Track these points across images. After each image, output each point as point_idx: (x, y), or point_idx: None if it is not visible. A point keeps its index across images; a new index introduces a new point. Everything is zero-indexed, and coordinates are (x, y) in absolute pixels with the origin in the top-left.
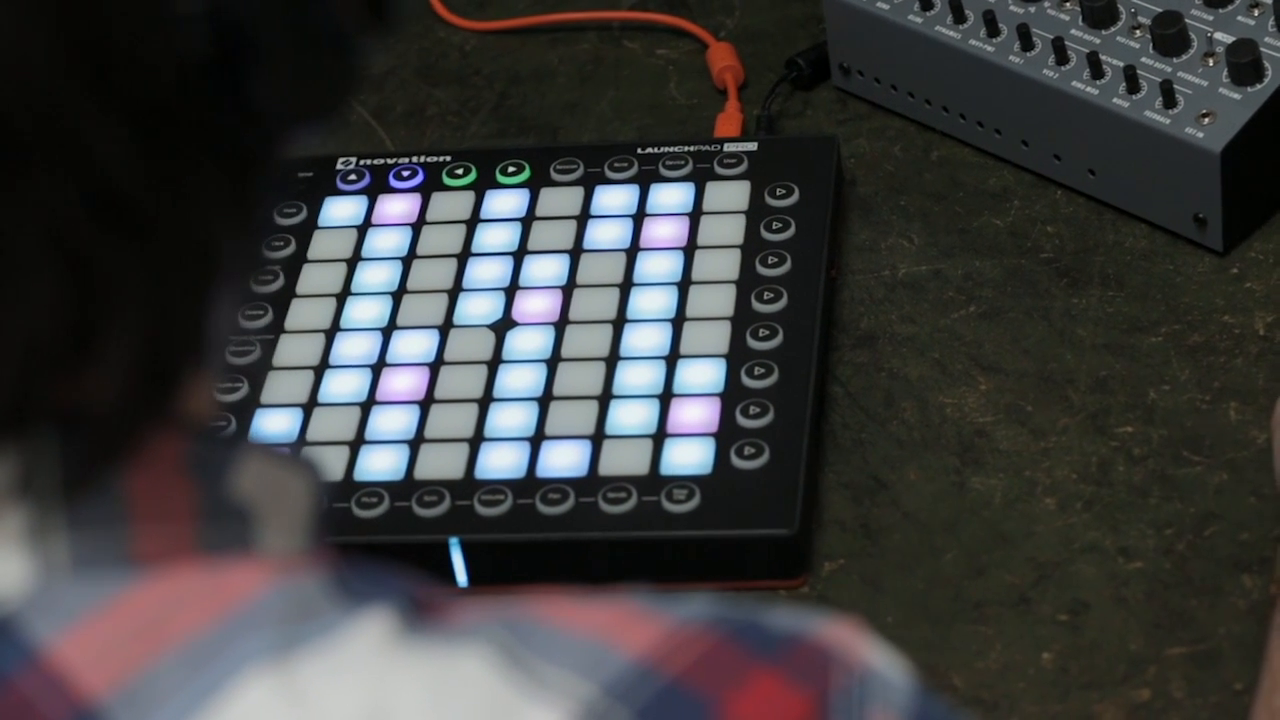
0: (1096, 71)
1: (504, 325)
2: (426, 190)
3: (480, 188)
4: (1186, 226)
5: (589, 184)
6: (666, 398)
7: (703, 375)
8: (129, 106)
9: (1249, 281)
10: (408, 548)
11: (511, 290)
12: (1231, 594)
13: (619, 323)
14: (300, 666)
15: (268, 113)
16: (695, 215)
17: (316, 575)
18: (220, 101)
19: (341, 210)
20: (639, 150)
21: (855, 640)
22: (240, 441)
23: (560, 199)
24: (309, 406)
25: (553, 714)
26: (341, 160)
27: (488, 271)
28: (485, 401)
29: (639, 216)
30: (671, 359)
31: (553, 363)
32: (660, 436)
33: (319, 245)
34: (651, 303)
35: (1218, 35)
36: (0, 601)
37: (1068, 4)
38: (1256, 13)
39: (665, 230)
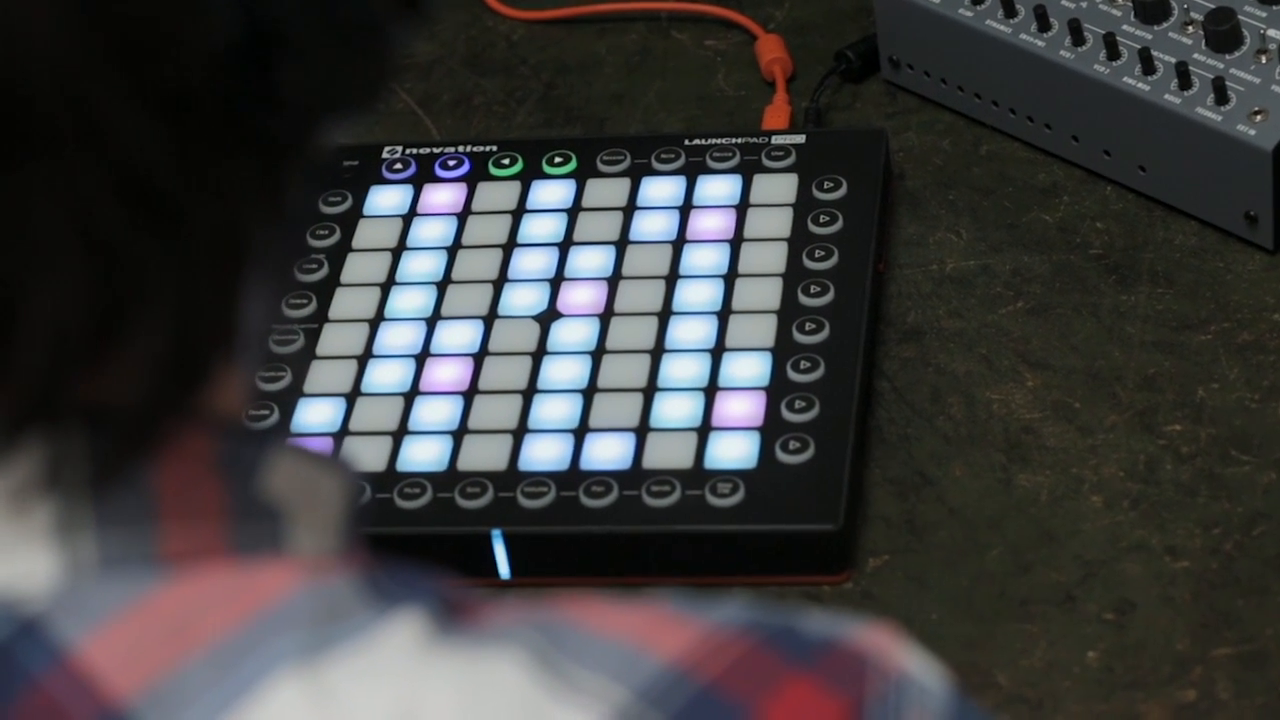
0: (1148, 67)
1: (549, 316)
2: (472, 180)
3: (526, 178)
4: (1237, 224)
5: (635, 175)
6: (711, 391)
7: (748, 369)
8: (159, 93)
9: None
10: (450, 539)
11: (557, 281)
12: (1279, 594)
13: (664, 315)
14: (330, 668)
15: (299, 102)
16: (742, 208)
17: (348, 576)
18: (250, 90)
19: (387, 199)
20: (686, 142)
21: (892, 645)
22: (272, 439)
23: (607, 190)
24: (352, 396)
25: (585, 718)
26: (387, 149)
27: (533, 262)
28: (529, 393)
29: (685, 208)
30: (717, 352)
31: (597, 355)
32: (705, 430)
33: (364, 234)
34: (697, 295)
35: (1270, 32)
36: (27, 600)
37: (1120, 0)
38: None
39: (712, 222)
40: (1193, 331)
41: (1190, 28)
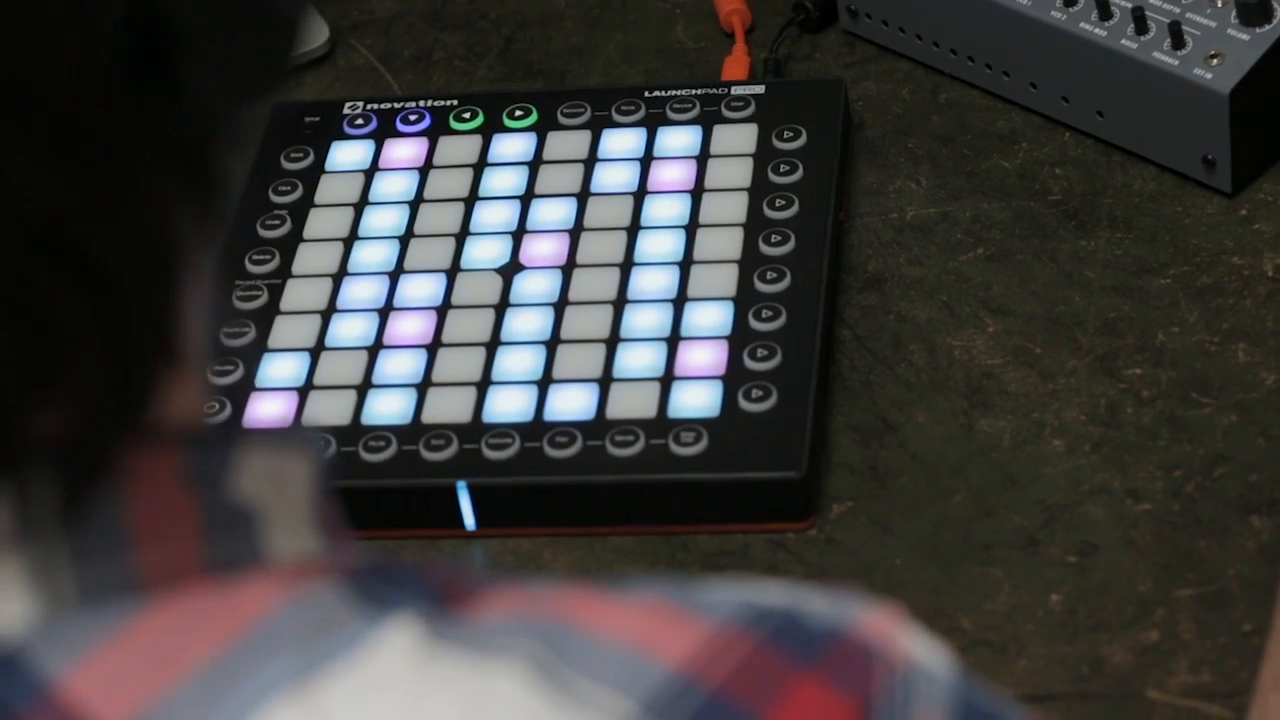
0: (1105, 13)
1: (511, 269)
2: (433, 134)
3: (487, 131)
4: (1195, 168)
5: (596, 128)
6: (674, 341)
7: (710, 318)
8: (53, 130)
9: (1258, 223)
10: (415, 491)
11: (519, 234)
12: (1240, 535)
13: (626, 266)
14: (325, 689)
15: (202, 99)
16: (703, 158)
17: (332, 581)
18: (148, 95)
19: (348, 155)
20: (646, 94)
21: (895, 632)
22: (235, 437)
23: (567, 142)
24: (316, 350)
25: None
26: (348, 105)
27: (495, 215)
28: (493, 345)
29: (646, 160)
30: (679, 302)
31: (560, 306)
32: (668, 380)
33: (326, 190)
34: (659, 246)
35: None
36: (5, 638)
37: None
38: None
39: (672, 174)
40: (1152, 276)
41: None
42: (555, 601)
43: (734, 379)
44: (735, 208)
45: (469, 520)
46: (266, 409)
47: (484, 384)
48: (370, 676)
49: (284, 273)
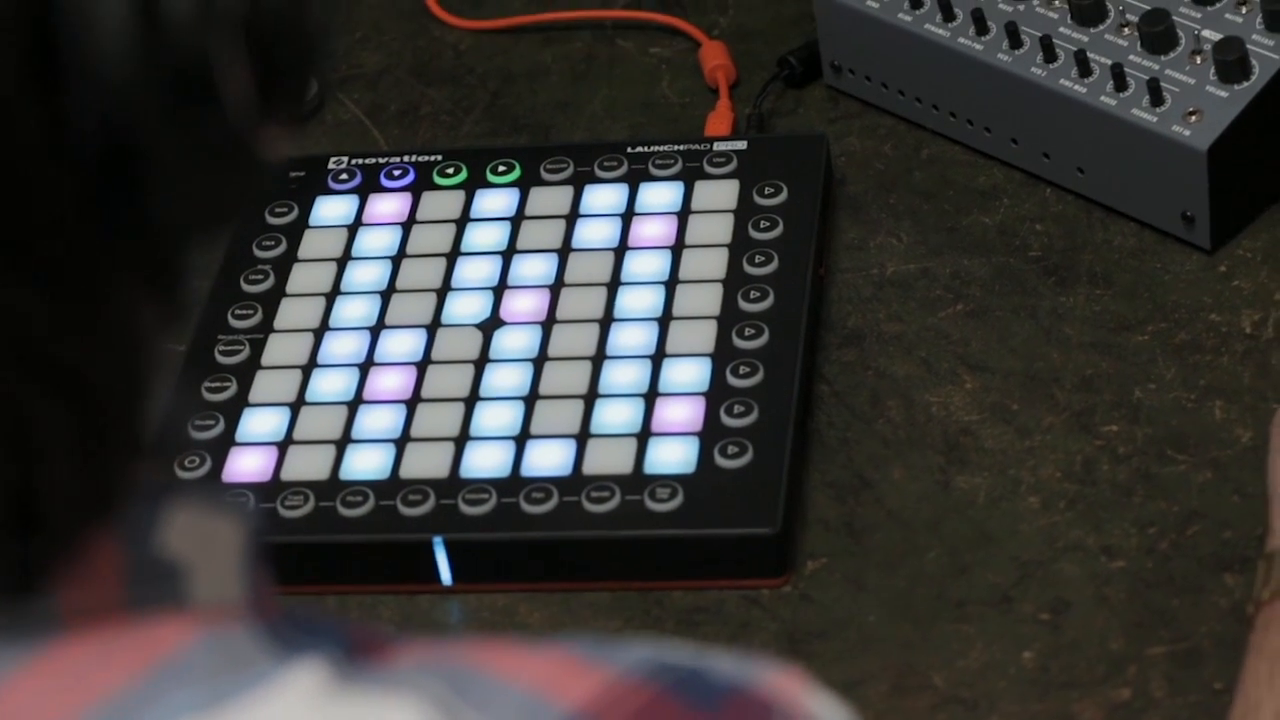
0: (1084, 69)
1: (492, 324)
2: (417, 189)
3: (470, 187)
4: (1174, 224)
5: (579, 183)
6: (652, 397)
7: (688, 374)
8: (28, 249)
9: (1236, 279)
10: (392, 547)
11: (500, 289)
12: (1213, 593)
13: (606, 322)
14: None
15: (172, 228)
16: (684, 214)
17: (247, 624)
18: (121, 226)
19: (332, 209)
20: (629, 149)
21: (798, 690)
22: (167, 495)
23: (550, 198)
24: (296, 405)
25: None
26: (333, 160)
27: (477, 271)
28: (471, 400)
29: (628, 215)
30: (657, 358)
31: (539, 362)
32: (645, 435)
33: (309, 244)
34: (639, 301)
35: (1205, 33)
36: None
37: (1056, 2)
38: (1244, 10)
39: (654, 229)
40: (1130, 332)
41: (1126, 29)
42: (463, 650)
43: (710, 435)
44: (715, 264)
45: (445, 575)
46: (245, 464)
47: (462, 439)
48: (273, 712)
49: (266, 327)
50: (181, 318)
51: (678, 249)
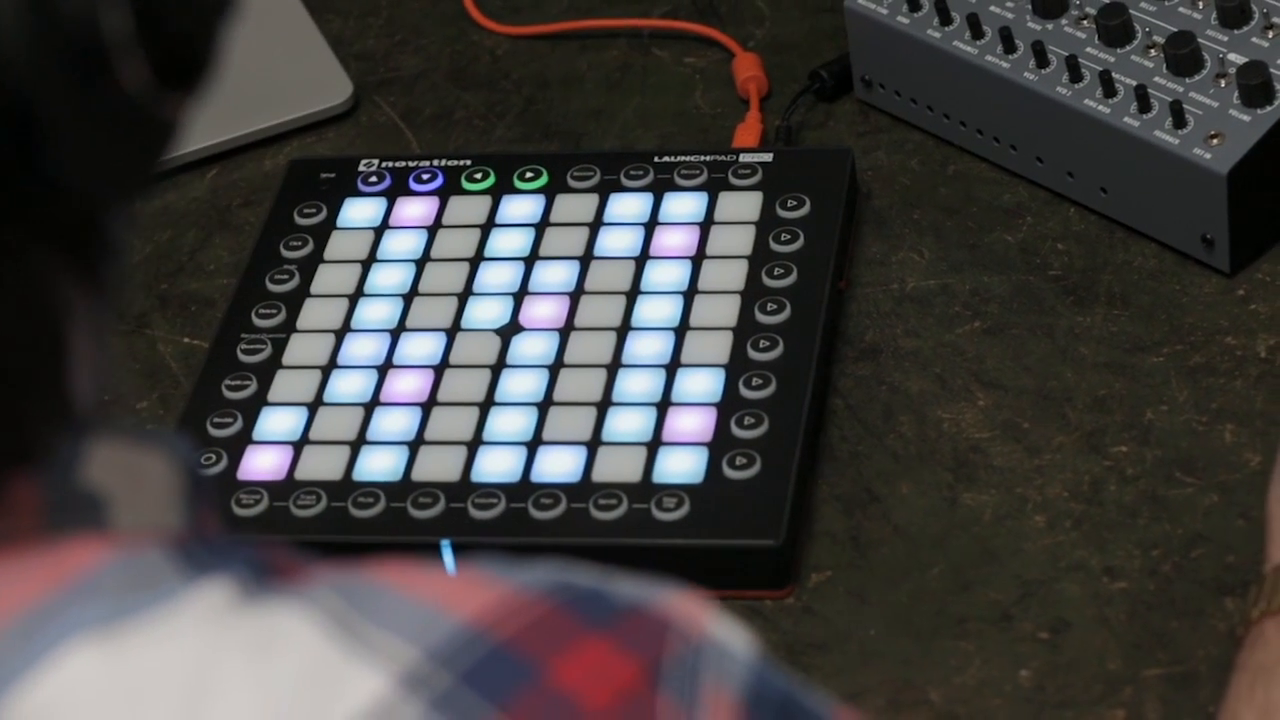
0: (1109, 90)
1: (510, 330)
2: (445, 194)
3: (497, 193)
4: (1195, 247)
5: (604, 191)
6: (664, 406)
7: (701, 384)
8: None
9: (1254, 303)
10: (401, 548)
11: (520, 295)
12: (1213, 616)
13: (623, 330)
14: (128, 636)
15: (79, 194)
16: (706, 225)
17: (161, 547)
18: (18, 192)
19: (360, 211)
20: (656, 159)
21: (698, 611)
22: (89, 430)
23: (575, 205)
24: (314, 405)
25: (375, 677)
26: (364, 162)
27: (499, 276)
28: (486, 405)
29: (651, 225)
30: (672, 367)
31: (555, 368)
32: (655, 444)
33: (336, 246)
34: (657, 311)
35: (1231, 56)
36: None
37: (1084, 22)
38: (1271, 34)
39: (676, 239)
40: (1145, 353)
41: (1153, 51)
42: (370, 570)
43: (720, 446)
44: (734, 275)
45: None
46: (261, 462)
47: (475, 443)
48: (173, 627)
49: (289, 327)
50: (110, 290)
51: (698, 259)
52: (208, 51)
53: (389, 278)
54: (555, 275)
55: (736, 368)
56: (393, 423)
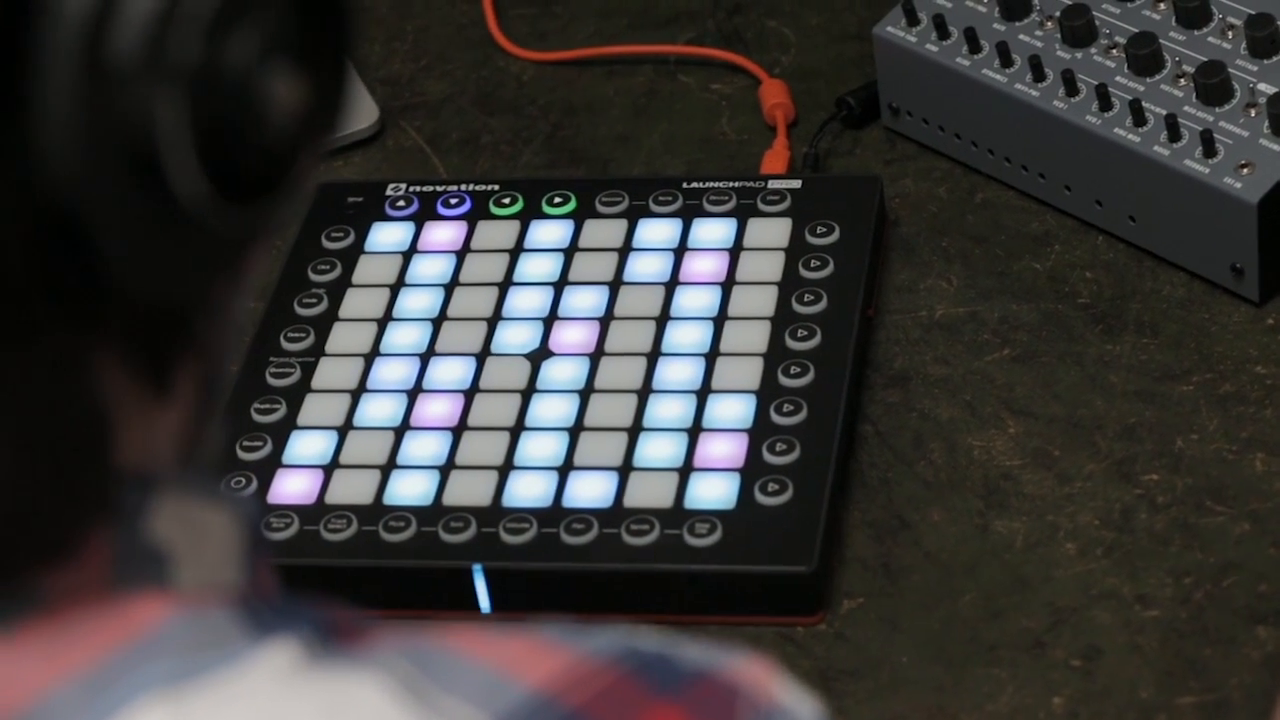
0: (1139, 119)
1: (540, 355)
2: (473, 218)
3: (526, 217)
4: (1224, 276)
5: (633, 217)
6: (695, 431)
7: (732, 410)
8: None
9: None
10: (433, 573)
11: (550, 320)
12: (1245, 645)
13: (653, 356)
14: (196, 696)
15: (126, 296)
16: (736, 251)
17: (226, 606)
18: (68, 292)
19: (388, 235)
20: (684, 185)
21: (765, 677)
22: (158, 483)
23: (604, 231)
24: (344, 429)
25: None
26: (391, 186)
27: (528, 301)
28: (517, 430)
29: (680, 250)
30: (703, 393)
31: (585, 394)
32: (687, 470)
33: (364, 270)
34: (687, 337)
35: (1261, 86)
36: None
37: (1114, 51)
38: None
39: (705, 265)
40: (1175, 382)
41: (1183, 80)
42: (435, 635)
43: (752, 472)
44: (764, 301)
45: (484, 603)
46: (291, 486)
47: (506, 468)
48: (240, 688)
49: (318, 351)
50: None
51: (728, 285)
52: (279, 172)
53: (418, 302)
54: (585, 300)
55: (767, 393)
56: (423, 447)
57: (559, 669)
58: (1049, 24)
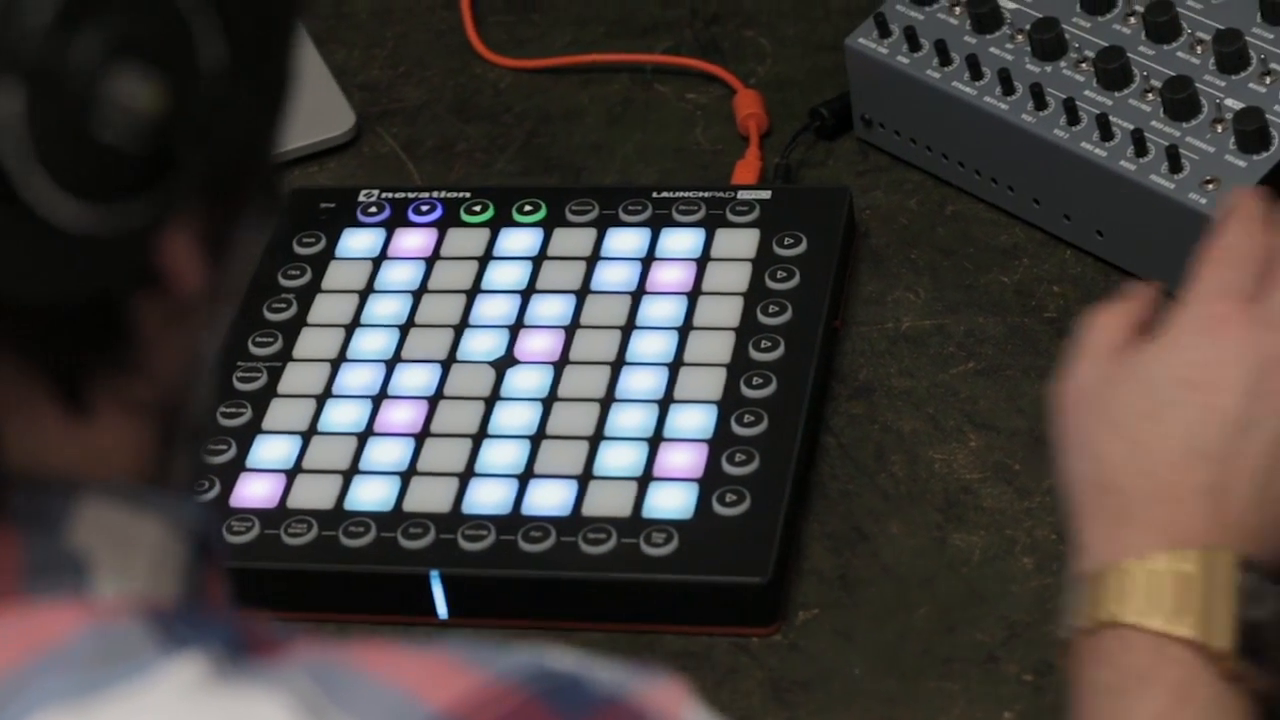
0: (1106, 133)
1: (505, 362)
2: (444, 225)
3: (496, 225)
4: None
5: (602, 226)
6: (656, 441)
7: (693, 420)
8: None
9: None
10: (391, 578)
11: (516, 328)
12: None
13: (617, 365)
14: (99, 710)
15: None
16: (703, 261)
17: (140, 617)
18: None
19: (359, 241)
20: (654, 194)
21: (675, 702)
22: (82, 490)
23: (573, 239)
24: (308, 435)
25: None
26: (364, 192)
27: (495, 309)
28: (479, 437)
29: (648, 260)
30: (665, 403)
31: (548, 401)
32: (646, 479)
33: (334, 276)
34: (651, 346)
35: (1228, 101)
36: None
37: (1083, 65)
38: (1268, 80)
39: (672, 275)
40: None
41: (1150, 95)
42: (345, 650)
43: (710, 482)
44: (729, 312)
45: (441, 609)
46: (254, 490)
47: (466, 475)
48: (144, 702)
49: (285, 356)
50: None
51: (694, 295)
52: (142, 173)
53: (386, 308)
54: (551, 309)
55: (729, 404)
56: (385, 453)
57: (466, 690)
58: (1020, 37)
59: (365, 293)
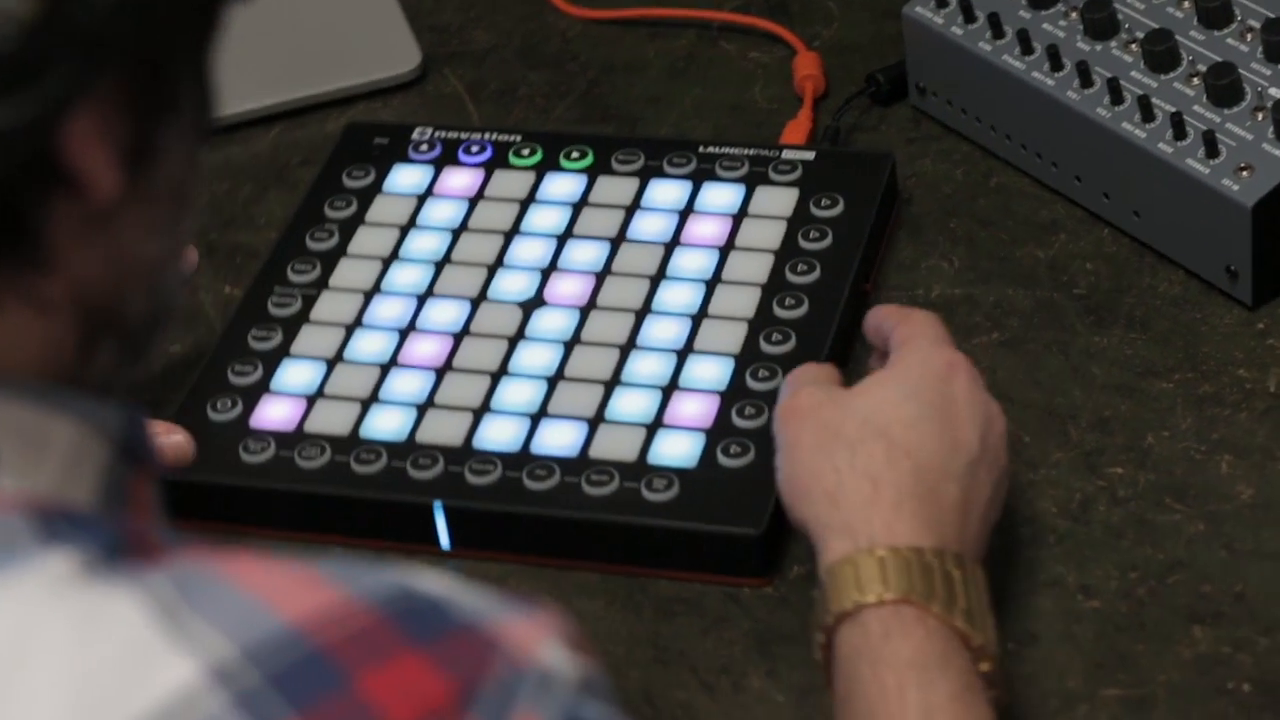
0: (1147, 115)
1: (534, 304)
2: (491, 167)
3: (542, 169)
4: (1219, 277)
5: (645, 176)
6: (670, 389)
7: (709, 371)
8: None
9: (1272, 338)
10: (397, 506)
11: (549, 271)
12: (1180, 643)
13: (643, 313)
14: None
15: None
16: (739, 217)
17: (25, 512)
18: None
19: (407, 178)
20: (700, 149)
21: (535, 635)
22: None
23: (616, 188)
24: (333, 362)
25: (186, 667)
26: (418, 130)
27: (531, 251)
28: (499, 374)
29: (686, 212)
30: (684, 353)
31: (570, 344)
32: (655, 426)
33: (378, 209)
34: (678, 297)
35: (1272, 90)
36: None
37: (1132, 45)
38: None
39: (707, 228)
40: (1156, 378)
41: (1195, 79)
42: (220, 559)
43: (717, 433)
44: (759, 268)
45: (444, 539)
46: (274, 412)
47: (481, 410)
48: (14, 592)
49: (321, 284)
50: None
51: (726, 250)
52: (13, 74)
53: (425, 244)
54: (585, 254)
55: (747, 358)
56: (405, 384)
57: (321, 605)
58: (1073, 15)
59: (407, 228)
